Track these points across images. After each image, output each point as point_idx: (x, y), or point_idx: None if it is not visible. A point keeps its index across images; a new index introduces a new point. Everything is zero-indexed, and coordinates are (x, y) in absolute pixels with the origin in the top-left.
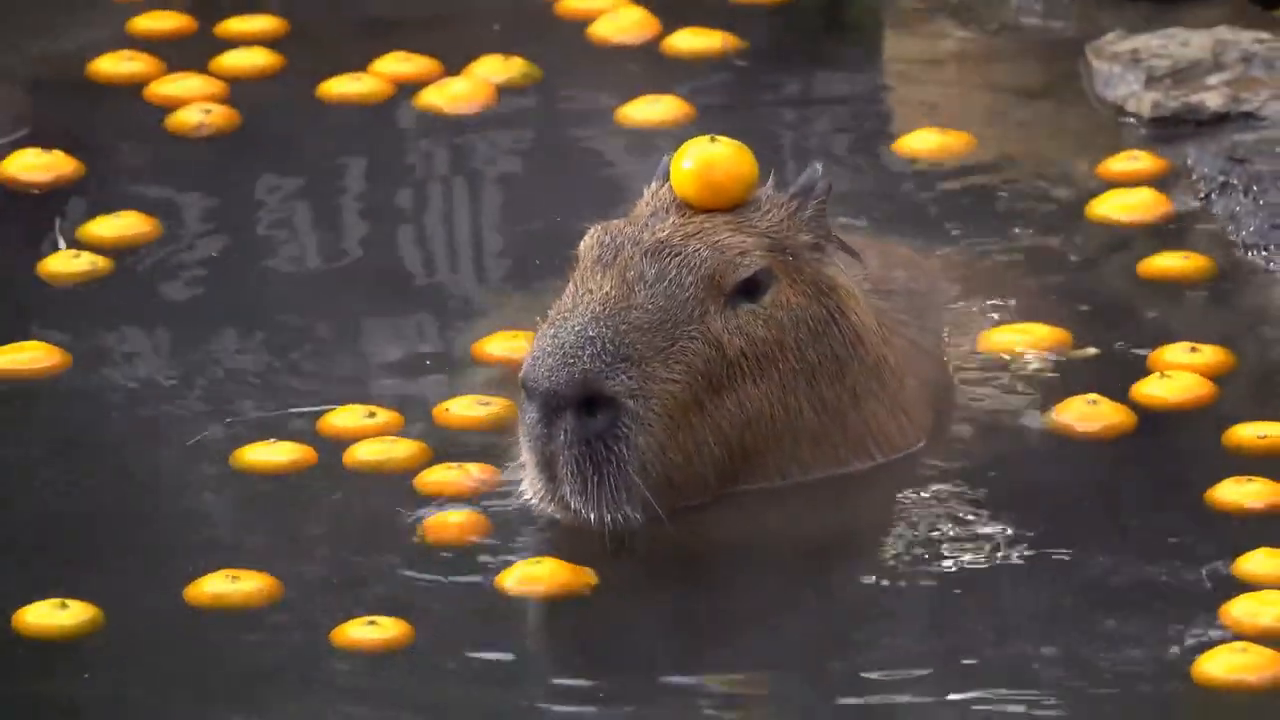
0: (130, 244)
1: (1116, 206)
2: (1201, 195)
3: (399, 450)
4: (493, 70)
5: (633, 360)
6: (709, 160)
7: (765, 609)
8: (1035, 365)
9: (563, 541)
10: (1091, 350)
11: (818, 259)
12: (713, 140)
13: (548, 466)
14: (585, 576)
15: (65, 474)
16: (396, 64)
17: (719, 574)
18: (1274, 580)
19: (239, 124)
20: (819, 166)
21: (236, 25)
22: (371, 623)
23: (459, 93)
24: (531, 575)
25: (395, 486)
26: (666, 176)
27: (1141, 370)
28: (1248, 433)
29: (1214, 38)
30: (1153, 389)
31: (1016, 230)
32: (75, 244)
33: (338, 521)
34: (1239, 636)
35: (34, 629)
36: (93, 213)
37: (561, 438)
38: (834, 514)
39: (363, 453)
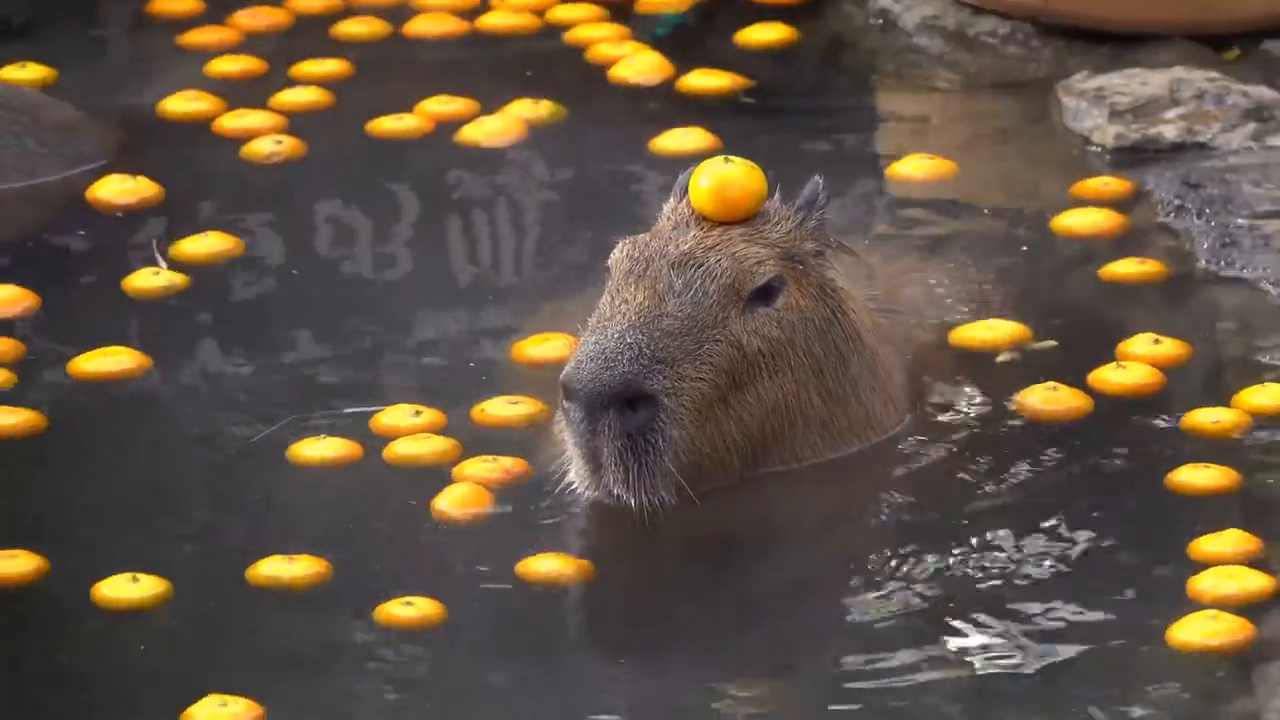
0: (216, 260)
1: (1080, 223)
2: (1160, 217)
3: (431, 446)
4: (524, 110)
5: (666, 362)
6: (724, 179)
7: (781, 593)
8: (1002, 357)
9: (588, 529)
10: (1050, 342)
11: (821, 264)
12: (727, 160)
13: (593, 458)
14: (589, 569)
15: (144, 464)
16: (439, 105)
17: (740, 556)
18: (1229, 558)
19: (305, 153)
20: (819, 180)
21: (308, 68)
22: (408, 603)
23: (494, 128)
24: (546, 562)
25: (435, 479)
26: (684, 193)
27: (1101, 363)
28: (1204, 418)
29: (1170, 76)
30: (1110, 376)
31: (992, 243)
32: (171, 261)
33: (380, 509)
34: (1205, 607)
35: (108, 600)
36: (177, 233)
37: (606, 433)
38: (834, 496)
39: (399, 449)
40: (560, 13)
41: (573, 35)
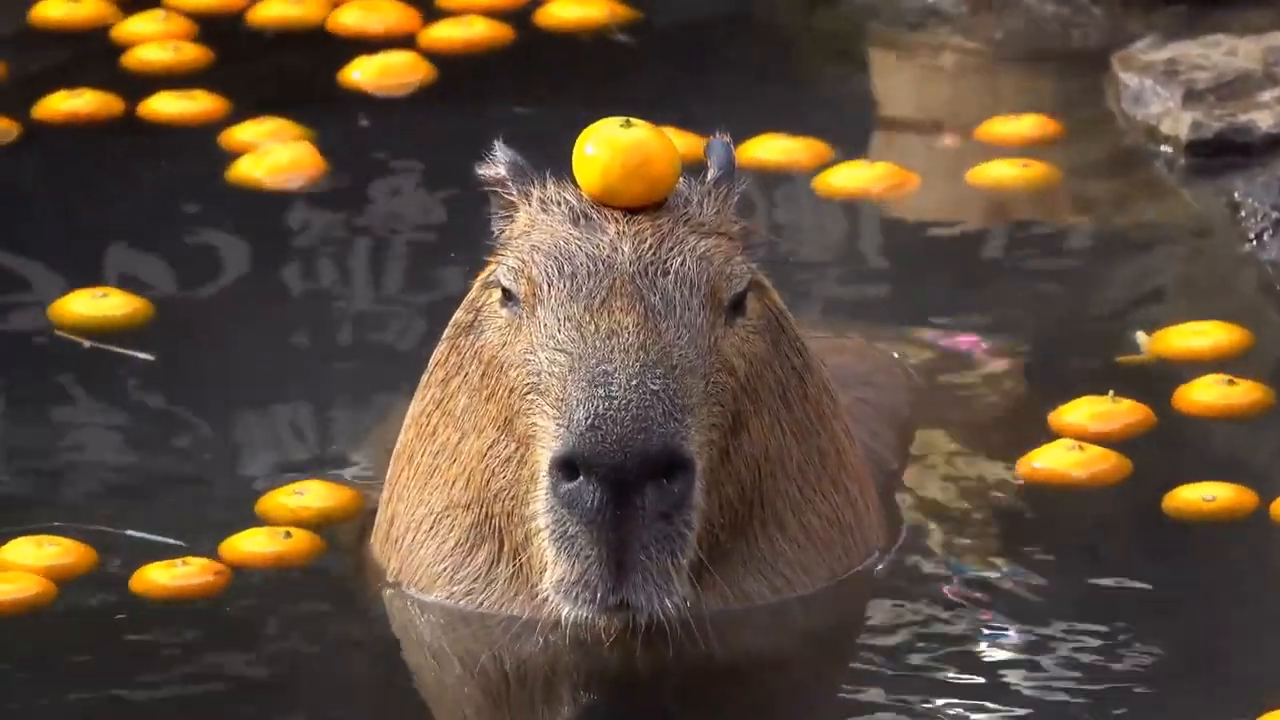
0: None
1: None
2: (1250, 236)
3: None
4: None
5: (689, 410)
6: (642, 150)
7: None
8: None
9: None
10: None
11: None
12: (628, 124)
13: (615, 555)
14: None
15: None
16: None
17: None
18: None
19: None
20: (727, 140)
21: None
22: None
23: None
24: None
25: None
26: (521, 173)
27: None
28: (1190, 495)
29: (1265, 45)
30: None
31: (1024, 293)
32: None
33: None
34: None
35: None
36: None
37: (638, 518)
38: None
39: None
40: None
41: None
